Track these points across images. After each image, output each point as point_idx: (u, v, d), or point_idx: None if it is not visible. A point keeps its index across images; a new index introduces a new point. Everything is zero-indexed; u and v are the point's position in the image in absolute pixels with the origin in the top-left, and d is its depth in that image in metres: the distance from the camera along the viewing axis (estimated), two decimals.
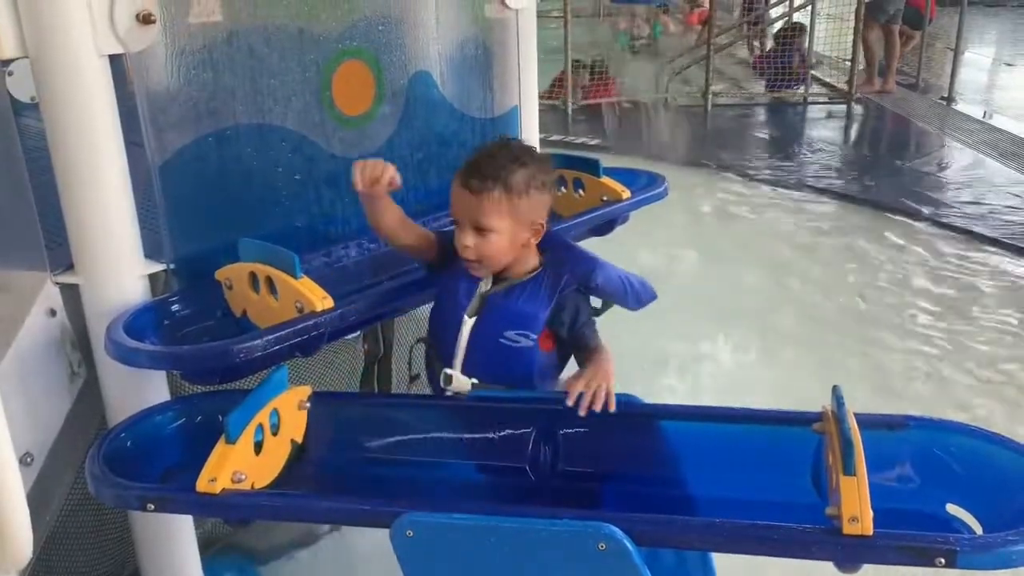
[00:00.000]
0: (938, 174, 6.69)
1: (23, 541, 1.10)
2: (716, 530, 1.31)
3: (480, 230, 1.68)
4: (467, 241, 1.69)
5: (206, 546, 2.30)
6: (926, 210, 5.67)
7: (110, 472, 1.52)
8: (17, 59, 1.70)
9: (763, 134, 8.23)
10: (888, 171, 6.75)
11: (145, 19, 1.73)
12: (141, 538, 2.11)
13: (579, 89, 8.71)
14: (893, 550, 1.23)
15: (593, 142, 7.56)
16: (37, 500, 1.78)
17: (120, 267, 1.84)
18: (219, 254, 1.91)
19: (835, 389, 1.46)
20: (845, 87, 8.92)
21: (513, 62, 2.60)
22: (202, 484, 1.45)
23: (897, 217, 5.61)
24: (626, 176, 2.58)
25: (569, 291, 1.72)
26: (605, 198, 2.42)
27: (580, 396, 1.57)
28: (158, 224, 1.89)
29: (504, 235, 1.68)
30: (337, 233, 2.17)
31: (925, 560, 1.21)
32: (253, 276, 1.81)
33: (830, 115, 8.70)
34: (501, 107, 2.60)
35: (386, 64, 2.21)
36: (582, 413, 1.57)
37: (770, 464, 1.59)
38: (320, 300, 1.71)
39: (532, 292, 1.72)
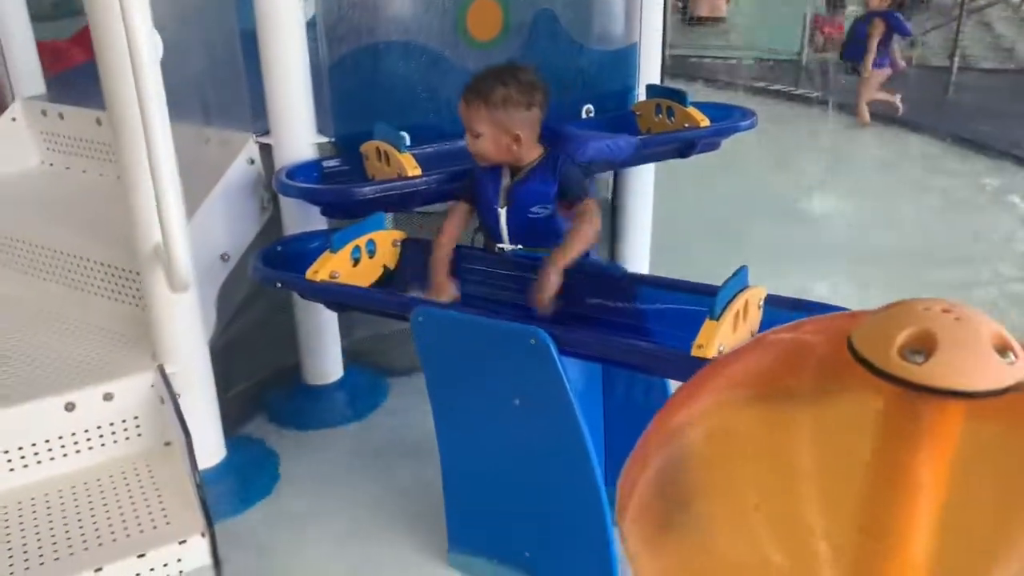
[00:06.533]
0: None
1: (185, 269, 1.89)
2: (609, 345, 1.85)
3: (473, 133, 2.23)
4: (467, 141, 2.26)
5: (353, 358, 3.11)
6: None
7: (262, 264, 2.32)
8: None
9: (1016, 105, 7.71)
10: None
11: None
12: (302, 339, 2.96)
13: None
14: None
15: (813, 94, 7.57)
16: (228, 288, 2.66)
17: (299, 135, 2.63)
18: (368, 134, 2.63)
19: (741, 268, 1.88)
20: None
21: (636, 3, 3.08)
22: (309, 274, 2.21)
23: None
24: (720, 110, 3.00)
25: (567, 167, 2.22)
26: (687, 125, 2.88)
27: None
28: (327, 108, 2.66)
29: (488, 138, 2.21)
30: (461, 130, 2.82)
31: None
32: (378, 150, 2.53)
33: None
34: (620, 43, 3.10)
35: (513, 3, 2.81)
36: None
37: None
38: (412, 168, 2.39)
39: (540, 175, 2.23)
